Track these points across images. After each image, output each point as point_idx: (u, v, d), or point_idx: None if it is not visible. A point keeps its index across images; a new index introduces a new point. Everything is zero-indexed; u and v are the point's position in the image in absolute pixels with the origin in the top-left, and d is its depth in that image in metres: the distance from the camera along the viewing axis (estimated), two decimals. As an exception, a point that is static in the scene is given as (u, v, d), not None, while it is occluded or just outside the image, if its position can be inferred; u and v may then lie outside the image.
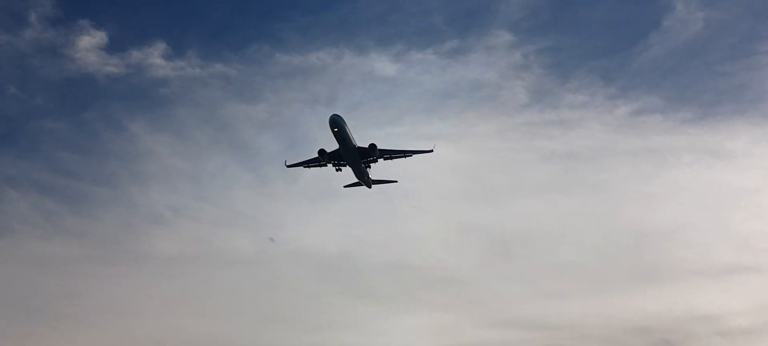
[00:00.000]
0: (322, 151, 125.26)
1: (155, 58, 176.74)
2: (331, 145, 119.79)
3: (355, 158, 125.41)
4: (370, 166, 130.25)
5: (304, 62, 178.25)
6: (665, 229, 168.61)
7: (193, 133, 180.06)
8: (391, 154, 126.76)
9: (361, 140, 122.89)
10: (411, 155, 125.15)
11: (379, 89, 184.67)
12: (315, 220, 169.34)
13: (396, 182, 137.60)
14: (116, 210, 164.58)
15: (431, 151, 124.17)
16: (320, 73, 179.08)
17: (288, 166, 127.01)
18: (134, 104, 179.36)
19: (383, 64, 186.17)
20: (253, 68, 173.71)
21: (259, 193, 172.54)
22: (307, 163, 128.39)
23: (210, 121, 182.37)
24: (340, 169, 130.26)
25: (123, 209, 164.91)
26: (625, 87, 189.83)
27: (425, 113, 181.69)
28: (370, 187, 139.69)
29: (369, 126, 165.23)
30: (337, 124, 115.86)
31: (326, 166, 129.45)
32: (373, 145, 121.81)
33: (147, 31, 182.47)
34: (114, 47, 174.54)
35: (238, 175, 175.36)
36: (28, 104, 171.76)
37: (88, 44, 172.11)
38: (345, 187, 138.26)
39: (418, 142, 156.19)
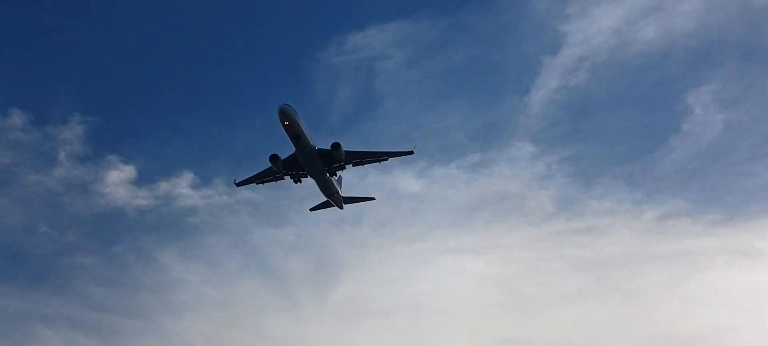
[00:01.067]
0: (274, 157, 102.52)
1: (183, 188, 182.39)
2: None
3: (315, 164, 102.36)
4: (336, 175, 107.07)
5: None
6: (703, 333, 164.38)
7: (222, 259, 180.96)
8: (361, 158, 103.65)
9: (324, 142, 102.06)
10: (386, 158, 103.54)
11: (404, 206, 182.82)
12: (347, 343, 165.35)
13: (373, 199, 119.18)
14: (149, 342, 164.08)
15: (412, 152, 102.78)
16: (344, 193, 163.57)
17: (238, 185, 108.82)
18: (164, 235, 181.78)
19: (407, 181, 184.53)
20: (278, 192, 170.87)
21: (290, 316, 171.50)
22: (260, 178, 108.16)
23: (239, 246, 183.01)
24: (300, 181, 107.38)
25: (155, 340, 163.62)
26: (651, 191, 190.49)
27: (452, 227, 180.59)
28: (341, 207, 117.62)
29: (397, 243, 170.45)
30: (287, 116, 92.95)
31: (283, 178, 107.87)
32: (336, 145, 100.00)
33: (174, 163, 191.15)
34: (142, 180, 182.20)
35: (269, 299, 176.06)
36: (59, 242, 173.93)
37: (117, 179, 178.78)
38: (311, 210, 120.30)
39: (446, 256, 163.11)
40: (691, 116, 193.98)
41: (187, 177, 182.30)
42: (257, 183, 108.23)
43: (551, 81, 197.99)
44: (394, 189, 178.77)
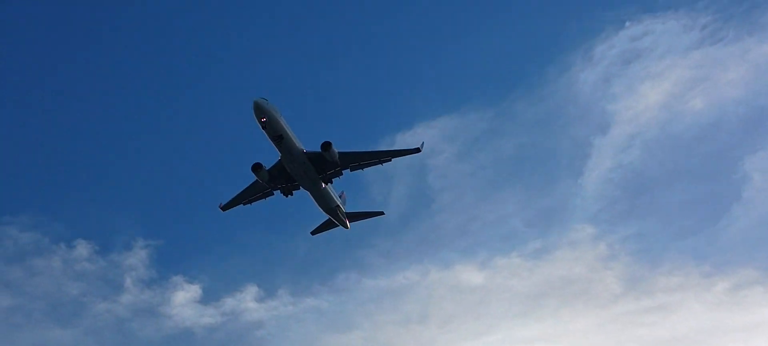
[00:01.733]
0: (257, 167, 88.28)
1: (248, 303, 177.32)
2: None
3: (305, 170, 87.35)
4: (331, 182, 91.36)
5: (392, 284, 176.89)
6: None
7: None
8: (359, 160, 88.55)
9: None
10: (389, 159, 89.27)
11: (468, 300, 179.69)
12: None
13: (382, 213, 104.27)
14: None
15: (419, 150, 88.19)
16: (409, 292, 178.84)
17: (223, 209, 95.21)
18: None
19: (470, 275, 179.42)
20: (343, 297, 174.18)
21: None
22: (247, 197, 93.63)
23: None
24: (291, 194, 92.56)
25: None
26: (719, 263, 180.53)
27: (520, 318, 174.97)
28: (346, 226, 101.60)
29: (465, 338, 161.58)
30: (263, 112, 79.94)
31: (272, 193, 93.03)
32: (326, 145, 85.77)
33: (238, 278, 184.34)
34: (208, 298, 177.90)
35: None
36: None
37: (183, 299, 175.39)
38: (313, 233, 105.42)
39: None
40: (751, 183, 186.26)
41: (251, 290, 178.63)
42: (245, 203, 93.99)
43: (604, 161, 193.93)
44: (456, 283, 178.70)
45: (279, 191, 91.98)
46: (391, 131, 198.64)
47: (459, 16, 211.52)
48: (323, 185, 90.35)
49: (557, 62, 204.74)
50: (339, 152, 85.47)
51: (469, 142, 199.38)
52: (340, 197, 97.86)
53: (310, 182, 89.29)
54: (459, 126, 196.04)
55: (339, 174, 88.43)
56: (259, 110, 79.97)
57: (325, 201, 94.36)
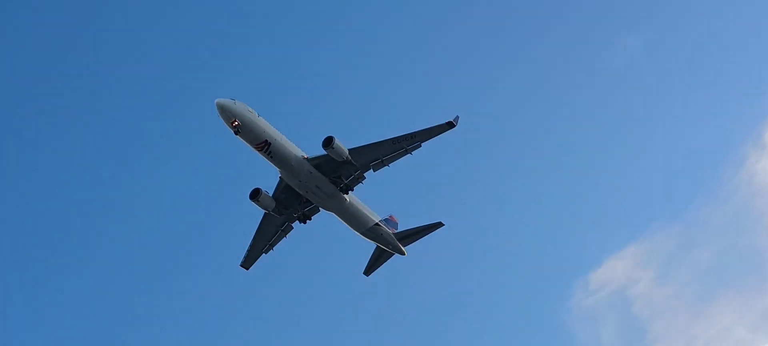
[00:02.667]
0: (256, 193, 71.68)
1: None
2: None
3: (316, 182, 70.41)
4: (352, 189, 72.96)
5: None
6: None
7: None
8: (379, 155, 70.36)
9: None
10: (418, 144, 69.72)
11: None
12: None
13: (441, 224, 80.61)
14: None
15: (452, 124, 67.81)
16: None
17: (247, 266, 77.01)
18: None
19: None
20: None
21: None
22: (263, 242, 76.10)
23: None
24: (309, 219, 75.73)
25: None
26: None
27: None
28: (402, 252, 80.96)
29: None
30: (232, 113, 64.61)
31: (290, 226, 75.84)
32: (328, 140, 67.95)
33: None
34: None
35: None
36: None
37: None
38: (367, 273, 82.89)
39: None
40: None
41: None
42: (266, 251, 76.81)
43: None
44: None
45: (295, 217, 75.17)
46: (582, 274, 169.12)
47: (624, 138, 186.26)
48: (347, 199, 72.59)
49: (730, 159, 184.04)
50: (349, 149, 68.22)
51: (665, 262, 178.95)
52: (386, 221, 78.84)
53: (328, 198, 71.92)
54: (649, 249, 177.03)
55: (360, 178, 70.66)
56: (225, 112, 64.07)
57: (357, 221, 75.51)
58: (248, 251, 76.34)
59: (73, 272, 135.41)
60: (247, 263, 77.05)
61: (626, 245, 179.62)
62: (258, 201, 71.43)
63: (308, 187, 70.88)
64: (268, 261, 78.06)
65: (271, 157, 67.93)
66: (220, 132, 66.51)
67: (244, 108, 65.68)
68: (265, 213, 73.10)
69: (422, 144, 69.25)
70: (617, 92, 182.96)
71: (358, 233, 77.26)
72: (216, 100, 64.64)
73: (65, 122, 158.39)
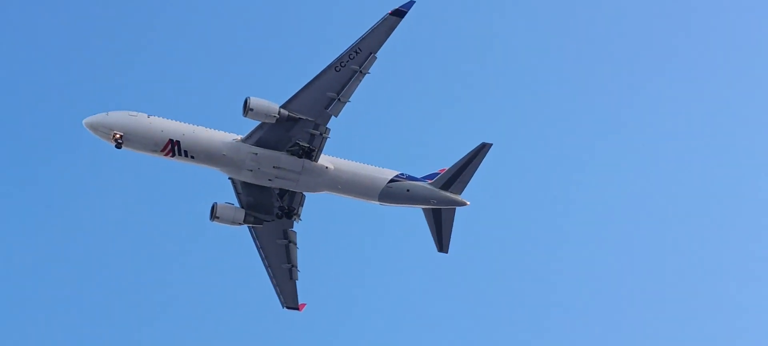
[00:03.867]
0: (213, 210, 57.16)
1: None
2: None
3: (275, 163, 56.59)
4: (320, 151, 56.91)
5: None
6: None
7: None
8: (329, 91, 53.49)
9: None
10: (372, 55, 52.16)
11: None
12: None
13: (489, 145, 58.06)
14: None
15: (402, 11, 49.87)
16: None
17: (293, 305, 60.48)
18: None
19: None
20: None
21: None
22: (276, 267, 60.55)
23: None
24: (297, 215, 59.83)
25: None
26: None
27: None
28: (463, 203, 60.13)
29: None
30: (108, 126, 54.54)
31: (288, 237, 60.18)
32: (244, 103, 53.71)
33: None
34: None
35: None
36: None
37: None
38: (442, 248, 61.41)
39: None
40: None
41: None
42: (294, 278, 61.00)
43: None
44: None
45: (278, 216, 60.36)
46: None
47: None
48: (327, 166, 56.99)
49: None
50: (282, 104, 53.88)
51: None
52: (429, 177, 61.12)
53: (302, 176, 57.10)
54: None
55: (323, 134, 55.03)
56: (99, 129, 54.30)
57: (361, 188, 58.09)
58: (276, 286, 61.38)
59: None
60: (288, 301, 61.62)
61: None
62: (221, 218, 57.58)
63: (267, 174, 56.64)
64: (306, 281, 60.72)
65: (193, 158, 55.34)
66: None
67: (123, 115, 54.94)
68: (250, 229, 59.57)
69: (377, 54, 52.22)
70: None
71: (378, 203, 60.20)
72: (83, 122, 55.07)
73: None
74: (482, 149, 57.88)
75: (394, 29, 50.10)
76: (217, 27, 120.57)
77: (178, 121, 55.97)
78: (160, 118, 55.72)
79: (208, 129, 56.27)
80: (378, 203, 58.99)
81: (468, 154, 58.16)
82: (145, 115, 55.31)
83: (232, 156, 55.57)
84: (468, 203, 59.80)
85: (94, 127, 54.54)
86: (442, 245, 60.66)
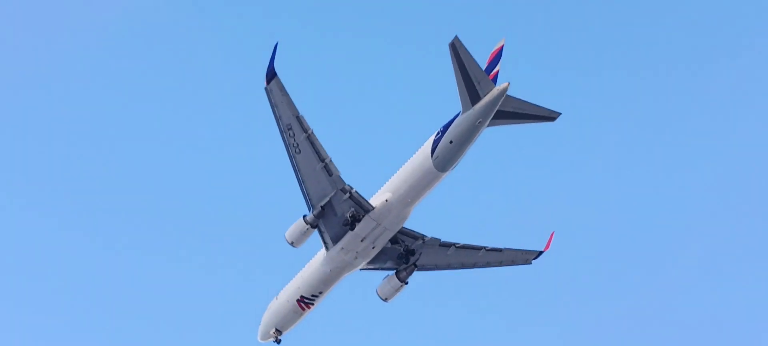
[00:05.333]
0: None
1: None
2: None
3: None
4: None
5: None
6: None
7: None
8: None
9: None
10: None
11: None
12: None
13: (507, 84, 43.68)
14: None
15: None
16: None
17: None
18: None
19: None
20: None
21: None
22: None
23: None
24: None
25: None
26: None
27: None
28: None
29: None
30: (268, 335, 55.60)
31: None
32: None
33: None
34: None
35: None
36: None
37: None
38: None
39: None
40: None
41: None
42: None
43: None
44: None
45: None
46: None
47: None
48: (384, 199, 49.44)
49: None
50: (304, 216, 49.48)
51: None
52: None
53: (382, 223, 49.80)
54: None
55: (350, 191, 48.78)
56: (265, 339, 53.98)
57: (416, 182, 47.65)
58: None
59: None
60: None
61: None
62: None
63: (367, 249, 51.30)
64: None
65: (321, 292, 52.51)
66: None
67: (265, 315, 53.92)
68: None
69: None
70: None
71: (445, 175, 47.53)
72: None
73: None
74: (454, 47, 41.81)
75: (283, 90, 43.19)
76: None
77: (288, 284, 53.27)
78: (282, 290, 53.61)
79: (310, 265, 52.45)
80: (444, 175, 47.38)
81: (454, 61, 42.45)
82: (274, 298, 53.70)
83: (341, 267, 51.79)
84: (508, 83, 44.15)
85: (264, 339, 54.03)
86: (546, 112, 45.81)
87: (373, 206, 47.25)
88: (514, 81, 43.37)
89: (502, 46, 44.67)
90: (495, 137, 46.49)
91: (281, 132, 44.61)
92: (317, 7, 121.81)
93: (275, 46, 41.76)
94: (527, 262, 52.41)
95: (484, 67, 43.09)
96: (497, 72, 44.17)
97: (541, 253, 52.10)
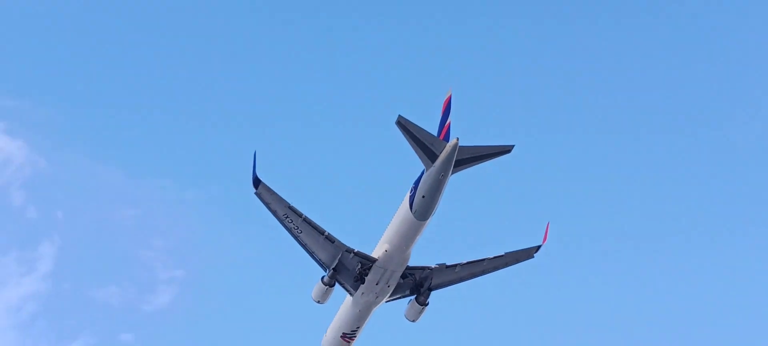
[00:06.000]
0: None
1: None
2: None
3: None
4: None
5: None
6: None
7: None
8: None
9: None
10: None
11: None
12: None
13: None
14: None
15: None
16: None
17: None
18: None
19: None
20: None
21: None
22: None
23: None
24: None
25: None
26: None
27: None
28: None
29: None
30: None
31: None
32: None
33: None
34: None
35: None
36: None
37: None
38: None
39: None
40: None
41: None
42: None
43: None
44: None
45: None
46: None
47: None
48: (384, 249, 53.87)
49: None
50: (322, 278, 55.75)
51: None
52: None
53: (387, 269, 54.73)
54: None
55: (351, 250, 54.11)
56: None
57: (403, 233, 52.43)
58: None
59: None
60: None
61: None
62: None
63: (384, 288, 56.15)
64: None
65: (358, 327, 57.19)
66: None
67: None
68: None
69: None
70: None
71: (425, 223, 51.49)
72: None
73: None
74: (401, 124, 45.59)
75: (270, 191, 48.78)
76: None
77: (331, 322, 57.49)
78: (328, 327, 57.75)
79: (342, 308, 56.71)
80: (426, 222, 50.82)
81: (405, 135, 45.92)
82: (324, 334, 58.07)
83: (368, 305, 55.83)
84: (457, 139, 47.13)
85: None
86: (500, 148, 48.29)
87: (376, 257, 52.49)
88: (468, 124, 48.54)
89: (450, 96, 48.98)
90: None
91: (280, 221, 51.08)
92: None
93: (254, 155, 48.04)
94: (530, 256, 56.23)
95: (440, 117, 48.45)
96: (449, 124, 48.27)
97: (540, 247, 55.96)
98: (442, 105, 49.45)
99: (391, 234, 52.08)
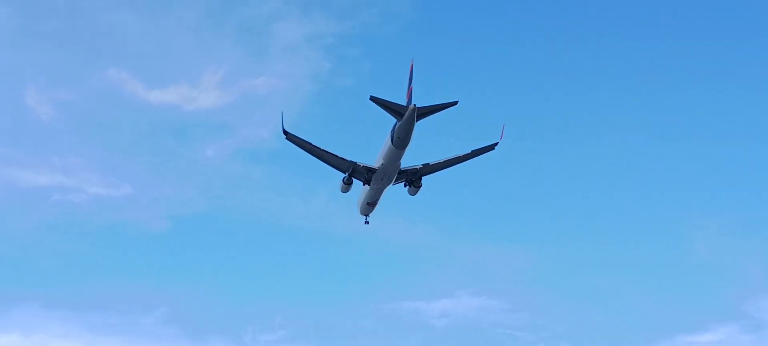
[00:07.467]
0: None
1: None
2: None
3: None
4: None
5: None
6: None
7: None
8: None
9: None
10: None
11: None
12: None
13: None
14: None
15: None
16: None
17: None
18: None
19: None
20: None
21: None
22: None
23: None
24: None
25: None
26: None
27: None
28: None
29: None
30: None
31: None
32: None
33: None
34: None
35: None
36: None
37: None
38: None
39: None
40: None
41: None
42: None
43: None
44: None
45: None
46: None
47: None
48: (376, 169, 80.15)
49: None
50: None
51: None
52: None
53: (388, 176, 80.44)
54: None
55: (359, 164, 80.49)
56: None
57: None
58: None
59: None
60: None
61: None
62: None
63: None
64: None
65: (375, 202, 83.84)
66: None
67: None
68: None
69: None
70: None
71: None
72: None
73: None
74: (374, 99, 68.77)
75: (296, 137, 76.46)
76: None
77: (360, 194, 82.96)
78: (359, 196, 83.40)
79: (364, 189, 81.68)
80: (404, 151, 73.69)
81: (380, 105, 69.12)
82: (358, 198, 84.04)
83: (380, 188, 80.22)
84: (414, 105, 68.90)
85: (362, 213, 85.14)
86: (448, 104, 69.95)
87: (376, 167, 77.67)
88: (426, 83, 73.71)
89: (412, 66, 70.90)
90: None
91: (308, 151, 77.68)
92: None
93: (281, 114, 75.95)
94: (491, 149, 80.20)
95: (407, 81, 70.49)
96: (411, 90, 69.79)
97: (497, 143, 79.72)
98: (408, 71, 70.98)
99: (382, 156, 76.60)
